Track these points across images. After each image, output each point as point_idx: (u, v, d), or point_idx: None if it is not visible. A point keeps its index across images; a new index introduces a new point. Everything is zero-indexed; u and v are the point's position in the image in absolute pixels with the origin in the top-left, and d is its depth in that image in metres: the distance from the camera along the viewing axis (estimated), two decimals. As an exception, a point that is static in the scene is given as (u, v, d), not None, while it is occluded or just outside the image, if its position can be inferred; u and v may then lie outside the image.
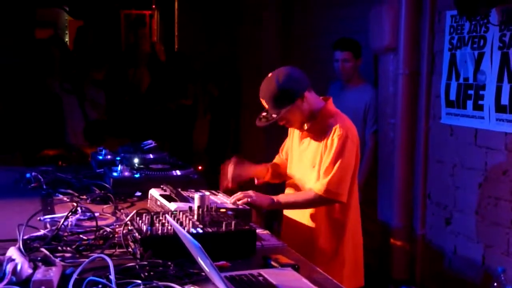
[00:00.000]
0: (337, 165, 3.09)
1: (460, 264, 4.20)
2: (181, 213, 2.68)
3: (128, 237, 2.51)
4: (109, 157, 4.09)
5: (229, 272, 2.24)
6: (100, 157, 4.10)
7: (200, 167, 6.62)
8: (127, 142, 4.84)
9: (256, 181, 3.49)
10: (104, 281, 2.01)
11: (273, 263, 2.40)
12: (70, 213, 2.77)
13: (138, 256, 2.36)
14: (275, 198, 3.23)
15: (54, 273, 2.07)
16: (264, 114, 3.23)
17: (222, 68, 7.88)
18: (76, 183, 3.69)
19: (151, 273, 2.18)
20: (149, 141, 4.26)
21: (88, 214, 2.87)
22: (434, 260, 4.44)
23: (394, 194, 4.64)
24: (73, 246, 2.47)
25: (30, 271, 2.12)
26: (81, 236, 2.62)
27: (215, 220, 2.61)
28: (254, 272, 2.26)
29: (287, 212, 3.44)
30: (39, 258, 2.26)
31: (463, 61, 4.04)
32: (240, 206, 3.04)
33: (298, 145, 3.36)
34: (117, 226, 2.76)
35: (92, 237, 2.59)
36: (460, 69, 4.07)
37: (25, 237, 2.48)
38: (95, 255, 2.26)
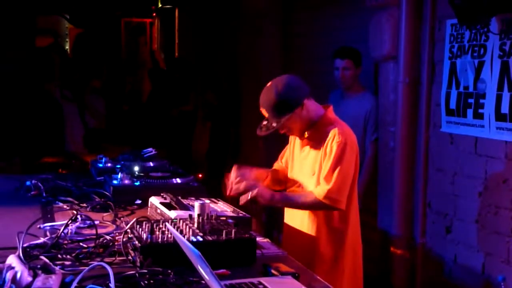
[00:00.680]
0: (336, 171, 3.09)
1: (460, 273, 4.19)
2: (181, 221, 2.68)
3: (128, 245, 2.51)
4: (109, 165, 4.09)
5: (229, 280, 2.24)
6: (100, 165, 4.10)
7: (200, 175, 6.63)
8: (127, 149, 4.84)
9: None
10: (104, 289, 2.00)
11: (273, 271, 2.39)
12: (70, 221, 2.76)
13: (138, 264, 2.35)
14: (276, 193, 3.24)
15: (53, 281, 2.07)
16: (264, 123, 3.24)
17: (222, 76, 7.89)
18: (76, 191, 3.69)
19: (151, 281, 2.17)
20: (149, 149, 4.26)
21: (88, 222, 2.87)
22: (434, 269, 4.43)
23: (394, 203, 4.63)
24: (73, 254, 2.47)
25: (29, 279, 2.11)
26: (81, 244, 2.61)
27: (215, 228, 2.61)
28: (254, 280, 2.26)
29: (288, 220, 3.43)
30: (38, 266, 2.25)
31: (463, 69, 4.04)
32: (240, 214, 3.03)
33: (299, 153, 3.37)
34: (117, 234, 2.76)
35: (92, 245, 2.59)
36: (460, 78, 4.07)
37: (25, 245, 2.48)
38: (95, 263, 2.26)
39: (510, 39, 3.65)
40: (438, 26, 4.32)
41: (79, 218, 2.88)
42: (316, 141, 3.23)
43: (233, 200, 3.33)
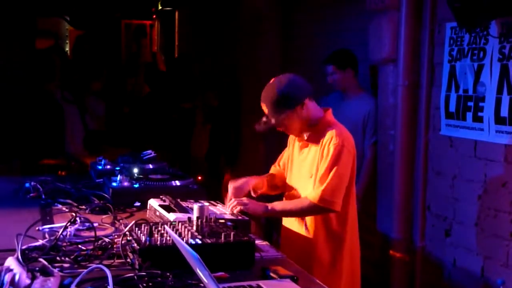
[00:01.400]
0: (332, 173, 3.09)
1: (459, 276, 4.19)
2: (180, 223, 2.67)
3: (127, 247, 2.51)
4: (108, 167, 4.09)
5: (228, 283, 2.24)
6: (100, 167, 4.10)
7: (199, 177, 6.62)
8: (127, 151, 4.84)
9: (253, 194, 3.50)
10: (102, 292, 2.00)
11: (272, 274, 2.39)
12: (69, 223, 2.76)
13: (137, 266, 2.35)
14: (270, 205, 3.24)
15: (52, 284, 2.07)
16: (264, 119, 3.25)
17: (222, 78, 7.89)
18: (75, 193, 3.69)
19: (150, 283, 2.17)
20: (149, 151, 4.26)
21: (87, 224, 2.87)
22: (434, 272, 4.43)
23: (394, 206, 4.63)
24: (72, 257, 2.47)
25: (28, 281, 2.11)
26: (79, 246, 2.61)
27: (214, 231, 2.61)
28: (253, 283, 2.26)
29: (286, 223, 3.44)
30: (37, 268, 2.25)
31: (463, 72, 4.04)
32: (239, 217, 3.03)
33: (297, 156, 3.37)
34: (116, 236, 2.76)
35: (91, 247, 2.58)
36: (460, 81, 4.07)
37: (24, 247, 2.48)
38: (94, 265, 2.26)
39: (510, 43, 3.65)
40: (438, 29, 4.32)
41: (78, 220, 2.88)
42: (314, 143, 3.24)
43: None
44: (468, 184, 4.06)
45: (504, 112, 3.67)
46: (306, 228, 3.27)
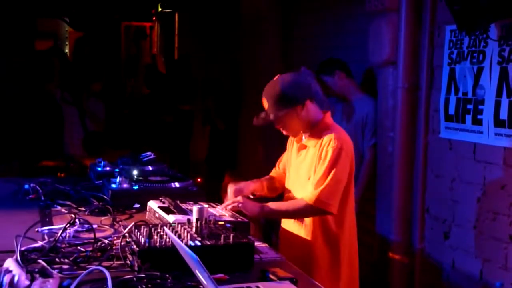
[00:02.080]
0: (330, 176, 3.09)
1: (458, 278, 4.19)
2: (179, 225, 2.68)
3: (126, 249, 2.51)
4: (108, 168, 4.09)
5: (227, 285, 2.24)
6: (99, 169, 4.10)
7: (199, 179, 6.62)
8: (126, 153, 4.84)
9: (251, 196, 3.51)
10: (101, 293, 2.00)
11: (271, 276, 2.39)
12: (68, 225, 2.76)
13: (136, 268, 2.35)
14: (265, 206, 3.24)
15: (51, 285, 2.07)
16: (263, 114, 3.26)
17: (222, 80, 7.89)
18: (75, 194, 3.69)
19: (149, 285, 2.17)
20: (148, 153, 4.26)
21: (86, 226, 2.87)
22: (433, 274, 4.43)
23: (393, 208, 4.63)
24: (71, 258, 2.47)
25: (27, 282, 2.11)
26: (79, 248, 2.61)
27: (214, 232, 2.61)
28: (252, 285, 2.26)
29: (285, 225, 3.44)
30: (36, 270, 2.26)
31: (462, 75, 4.05)
32: (239, 219, 3.04)
33: (295, 158, 3.38)
34: (115, 238, 2.76)
35: (90, 249, 2.58)
36: (459, 84, 4.08)
37: (23, 249, 2.48)
38: (93, 267, 2.26)
39: (509, 45, 3.65)
40: (438, 31, 4.33)
41: (77, 222, 2.88)
42: (313, 145, 3.24)
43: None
44: (467, 187, 4.06)
45: (504, 115, 3.68)
46: (304, 229, 3.27)
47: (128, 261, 2.45)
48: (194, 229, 2.64)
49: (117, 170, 3.96)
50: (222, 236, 2.52)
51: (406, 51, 4.47)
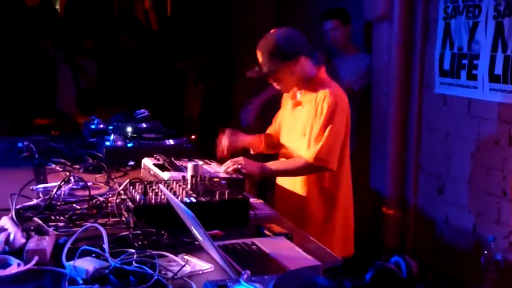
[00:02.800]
0: (326, 132, 3.09)
1: (451, 233, 4.23)
2: (174, 182, 2.68)
3: (121, 206, 2.51)
4: (101, 126, 4.07)
5: (223, 241, 2.25)
6: (93, 126, 4.09)
7: (193, 136, 6.61)
8: (120, 110, 4.81)
9: (251, 151, 3.51)
10: (97, 250, 2.01)
11: (266, 232, 2.41)
12: (63, 183, 2.76)
13: (132, 225, 2.36)
14: (265, 166, 3.24)
15: (47, 243, 2.08)
16: (257, 68, 3.24)
17: (215, 37, 7.82)
18: (69, 152, 3.68)
19: (145, 242, 2.18)
20: (142, 110, 4.24)
21: (81, 183, 2.87)
22: (426, 229, 4.47)
23: (387, 163, 4.65)
24: (66, 216, 2.47)
25: (23, 240, 2.12)
26: (74, 205, 2.61)
27: (209, 189, 2.61)
28: (248, 241, 2.27)
29: (280, 181, 3.45)
30: (32, 228, 2.26)
31: (458, 30, 4.02)
32: (234, 176, 3.04)
33: (290, 114, 3.37)
34: (110, 195, 2.76)
35: (85, 206, 2.59)
36: (455, 38, 4.05)
37: (18, 207, 2.48)
38: (88, 224, 2.26)
39: (505, 0, 3.62)
40: (433, -15, 4.28)
41: (72, 180, 2.87)
42: (307, 102, 3.23)
43: (225, 162, 3.34)
44: (461, 142, 4.07)
45: (499, 70, 3.66)
46: (300, 185, 3.28)
47: (123, 218, 2.45)
48: (189, 186, 2.64)
49: (111, 127, 3.94)
50: (217, 192, 2.52)
51: (401, 5, 4.43)
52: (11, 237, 2.10)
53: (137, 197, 2.45)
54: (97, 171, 3.27)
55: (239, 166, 3.14)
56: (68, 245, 2.05)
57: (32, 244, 2.05)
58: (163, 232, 2.25)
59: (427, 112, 4.41)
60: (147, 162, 3.22)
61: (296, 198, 3.28)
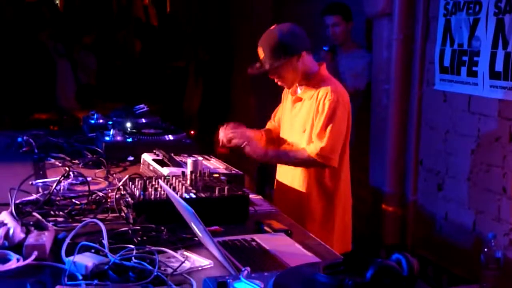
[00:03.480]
0: (329, 129, 3.08)
1: (451, 230, 4.23)
2: (174, 178, 2.67)
3: (121, 201, 2.51)
4: (101, 121, 4.07)
5: (222, 237, 2.25)
6: (92, 121, 4.08)
7: (192, 132, 6.61)
8: (119, 105, 4.81)
9: None
10: (97, 245, 2.00)
11: (266, 228, 2.40)
12: (62, 178, 2.75)
13: (131, 221, 2.36)
14: (269, 150, 3.25)
15: (46, 238, 2.07)
16: (258, 64, 3.22)
17: (214, 32, 7.82)
18: (68, 147, 3.67)
19: (144, 238, 2.18)
20: (142, 105, 4.23)
21: (80, 178, 2.87)
22: (425, 226, 4.47)
23: (386, 160, 4.64)
24: (66, 211, 2.47)
25: (22, 235, 2.12)
26: (73, 200, 2.61)
27: (208, 185, 2.61)
28: (247, 237, 2.27)
29: (279, 177, 3.44)
30: (31, 223, 2.26)
31: (458, 27, 4.01)
32: (233, 171, 3.03)
33: (290, 110, 3.36)
34: (109, 190, 2.76)
35: (85, 201, 2.59)
36: (455, 35, 4.04)
37: (17, 202, 2.48)
38: (88, 219, 2.26)
39: (506, -4, 3.61)
40: (434, -18, 4.27)
41: (72, 175, 2.87)
42: (308, 98, 3.22)
43: (225, 157, 3.33)
44: (461, 139, 4.07)
45: (499, 67, 3.66)
46: (299, 181, 3.27)
47: (123, 214, 2.45)
48: (188, 182, 2.64)
49: (110, 122, 3.94)
50: (217, 188, 2.52)
51: (401, 1, 4.42)
52: (11, 232, 2.10)
53: (137, 192, 2.45)
54: (97, 166, 3.26)
55: (244, 144, 3.13)
56: (67, 240, 2.05)
57: (31, 239, 2.05)
58: (162, 228, 2.25)
59: (427, 108, 4.41)
60: (147, 157, 3.22)
61: (295, 194, 3.28)
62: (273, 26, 3.22)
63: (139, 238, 2.16)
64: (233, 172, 3.03)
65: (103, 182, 2.97)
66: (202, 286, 1.67)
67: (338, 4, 4.84)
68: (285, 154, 3.28)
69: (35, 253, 1.99)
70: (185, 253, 2.07)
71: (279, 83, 3.30)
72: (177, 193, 2.41)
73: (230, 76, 7.57)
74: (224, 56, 7.60)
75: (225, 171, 3.00)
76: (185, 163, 2.92)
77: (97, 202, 2.60)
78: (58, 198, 2.62)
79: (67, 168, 2.92)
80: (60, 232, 2.22)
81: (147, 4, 10.39)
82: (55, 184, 2.67)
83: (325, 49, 4.73)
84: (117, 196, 2.54)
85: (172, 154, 3.22)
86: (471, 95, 3.94)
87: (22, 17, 6.80)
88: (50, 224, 2.28)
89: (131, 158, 3.48)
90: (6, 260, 1.98)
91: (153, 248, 2.01)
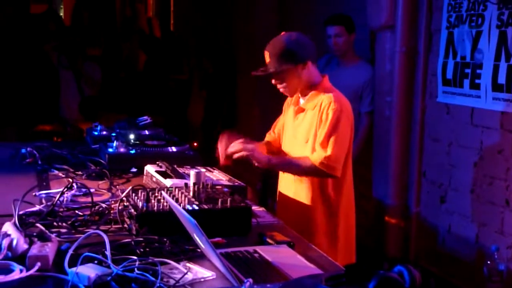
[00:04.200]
0: (332, 139, 3.09)
1: (454, 242, 4.22)
2: (176, 189, 2.67)
3: (124, 213, 2.51)
4: (104, 133, 4.08)
5: (225, 248, 2.25)
6: (96, 133, 4.09)
7: (195, 144, 6.62)
8: (123, 117, 4.82)
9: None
10: (99, 257, 2.01)
11: (268, 240, 2.41)
12: (66, 189, 2.76)
13: (134, 232, 2.36)
14: (272, 157, 3.25)
15: (49, 249, 2.08)
16: (262, 68, 3.24)
17: (217, 44, 7.84)
18: (72, 158, 3.68)
19: (147, 249, 2.18)
20: (145, 117, 4.25)
21: (83, 190, 2.87)
22: (428, 238, 4.46)
23: (389, 172, 4.64)
24: (69, 222, 2.47)
25: (25, 246, 2.12)
26: (76, 212, 2.61)
27: (211, 196, 2.61)
28: (250, 249, 2.27)
29: (281, 189, 3.44)
30: (34, 234, 2.26)
31: (461, 39, 4.02)
32: (236, 183, 3.04)
33: (292, 121, 3.36)
34: (112, 202, 2.76)
35: (88, 213, 2.59)
36: (458, 48, 4.05)
37: (21, 213, 2.48)
38: (91, 231, 2.26)
39: (508, 9, 3.62)
40: (436, -5, 4.29)
41: (75, 186, 2.88)
42: (311, 108, 3.23)
43: (228, 169, 3.33)
44: (464, 151, 4.07)
45: (502, 79, 3.66)
46: (302, 193, 3.27)
47: (126, 225, 2.45)
48: (191, 193, 2.64)
49: (113, 134, 3.95)
50: (220, 200, 2.52)
51: (404, 14, 4.44)
52: (14, 243, 2.10)
53: (140, 204, 2.45)
54: (100, 178, 3.27)
55: (247, 154, 3.14)
56: (70, 251, 2.05)
57: (34, 250, 2.05)
58: (165, 239, 2.25)
59: (430, 121, 4.41)
60: (150, 169, 3.22)
61: (298, 205, 3.28)
62: (282, 33, 3.25)
63: (141, 250, 2.16)
64: (236, 184, 3.03)
65: (106, 194, 2.98)
66: (204, 298, 1.67)
67: (341, 15, 4.86)
68: (288, 161, 3.29)
69: (38, 264, 1.99)
70: (188, 264, 2.07)
71: (281, 89, 3.30)
72: (180, 205, 2.41)
73: (234, 88, 7.58)
74: (227, 68, 7.61)
75: (227, 183, 3.01)
76: (188, 175, 2.92)
77: (100, 214, 2.61)
78: (61, 209, 2.62)
79: (70, 180, 2.93)
80: (63, 243, 2.22)
81: (151, 16, 10.44)
82: (58, 196, 2.67)
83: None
84: (120, 207, 2.54)
85: (175, 166, 3.22)
86: (474, 107, 3.94)
87: (27, 29, 6.83)
88: (53, 235, 2.28)
89: (134, 169, 3.49)
90: (9, 271, 1.98)
91: (155, 259, 2.01)
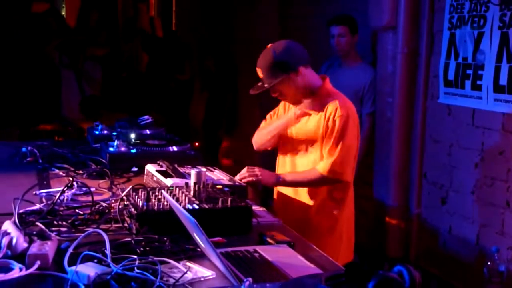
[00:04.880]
0: (340, 145, 3.10)
1: (454, 243, 4.21)
2: (177, 189, 2.67)
3: (124, 212, 2.51)
4: (105, 132, 4.08)
5: (225, 248, 2.25)
6: (97, 132, 4.09)
7: (196, 144, 6.62)
8: (124, 117, 4.82)
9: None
10: (99, 255, 2.00)
11: (268, 240, 2.40)
12: (66, 188, 2.76)
13: (134, 231, 2.36)
14: (281, 176, 3.24)
15: (49, 247, 2.07)
16: (259, 84, 3.24)
17: (219, 44, 7.84)
18: (72, 157, 3.68)
19: (147, 248, 2.18)
20: (146, 117, 4.25)
21: (84, 189, 2.87)
22: (429, 239, 4.46)
23: (390, 173, 4.64)
24: (69, 221, 2.47)
25: (25, 245, 2.12)
26: (77, 210, 2.61)
27: (211, 196, 2.61)
28: (250, 248, 2.26)
29: (281, 189, 3.43)
30: (34, 232, 2.26)
31: (463, 40, 4.02)
32: (236, 183, 3.03)
33: (294, 125, 3.35)
34: (113, 201, 2.76)
35: (88, 212, 2.58)
36: (459, 49, 4.05)
37: (21, 211, 2.48)
38: (91, 229, 2.26)
39: (510, 10, 3.62)
40: (438, -4, 4.29)
41: (75, 185, 2.88)
42: (315, 113, 3.21)
43: (229, 169, 3.33)
44: (465, 152, 4.06)
45: (503, 81, 3.66)
46: (302, 194, 3.27)
47: (126, 224, 2.45)
48: (192, 193, 2.64)
49: (114, 133, 3.95)
50: (220, 199, 2.52)
51: (406, 15, 4.44)
52: (14, 241, 2.10)
53: (140, 203, 2.45)
54: (100, 177, 3.27)
55: (255, 179, 3.14)
56: (70, 250, 2.05)
57: (34, 249, 2.05)
58: (165, 238, 2.25)
59: (431, 122, 4.41)
60: (150, 168, 3.22)
61: (298, 205, 3.28)
62: (269, 46, 3.22)
63: (141, 249, 2.16)
64: (236, 183, 3.03)
65: (106, 193, 2.98)
66: (204, 297, 1.67)
67: (345, 15, 4.85)
68: (297, 177, 3.27)
69: (38, 262, 1.99)
70: (188, 263, 2.07)
71: (282, 99, 3.32)
72: (180, 204, 2.41)
73: (235, 89, 7.58)
74: (229, 68, 7.61)
75: (228, 183, 3.00)
76: (189, 174, 2.92)
77: (100, 213, 2.60)
78: (61, 208, 2.62)
79: (70, 179, 2.93)
80: (63, 242, 2.22)
81: (153, 16, 10.44)
82: (58, 194, 2.67)
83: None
84: (120, 206, 2.54)
85: (176, 165, 3.22)
86: (475, 108, 3.94)
87: (29, 28, 6.83)
88: (53, 234, 2.28)
89: (135, 169, 3.49)
90: (9, 269, 1.98)
91: (155, 258, 2.00)
